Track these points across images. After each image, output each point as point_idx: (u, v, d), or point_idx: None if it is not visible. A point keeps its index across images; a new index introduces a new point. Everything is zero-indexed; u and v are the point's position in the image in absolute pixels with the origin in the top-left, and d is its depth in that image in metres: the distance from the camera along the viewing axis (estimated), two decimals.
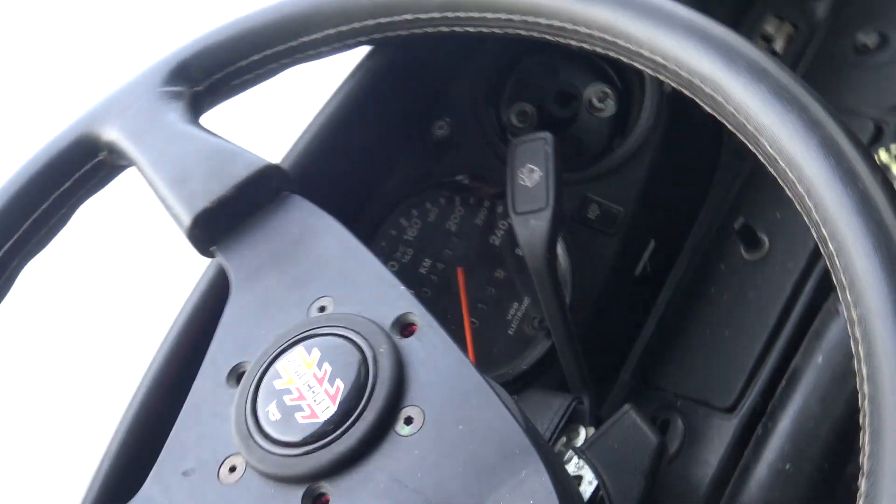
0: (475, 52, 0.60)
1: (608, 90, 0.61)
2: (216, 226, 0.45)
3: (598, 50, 0.42)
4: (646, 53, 0.39)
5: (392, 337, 0.39)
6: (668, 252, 0.61)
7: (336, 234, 0.45)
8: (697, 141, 0.61)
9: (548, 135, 0.52)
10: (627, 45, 0.40)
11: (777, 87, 0.35)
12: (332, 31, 0.50)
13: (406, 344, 0.39)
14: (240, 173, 0.45)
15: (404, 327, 0.41)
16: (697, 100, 0.38)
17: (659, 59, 0.39)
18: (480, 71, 0.60)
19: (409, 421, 0.37)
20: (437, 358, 0.38)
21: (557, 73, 0.61)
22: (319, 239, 0.45)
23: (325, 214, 0.45)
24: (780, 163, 0.34)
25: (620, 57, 0.41)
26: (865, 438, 0.30)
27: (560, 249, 0.56)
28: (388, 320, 0.40)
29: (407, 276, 0.60)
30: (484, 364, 0.58)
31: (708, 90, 0.37)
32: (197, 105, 0.50)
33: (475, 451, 0.36)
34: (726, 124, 0.38)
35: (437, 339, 0.39)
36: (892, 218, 0.32)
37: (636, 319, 0.60)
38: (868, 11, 0.62)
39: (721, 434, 0.54)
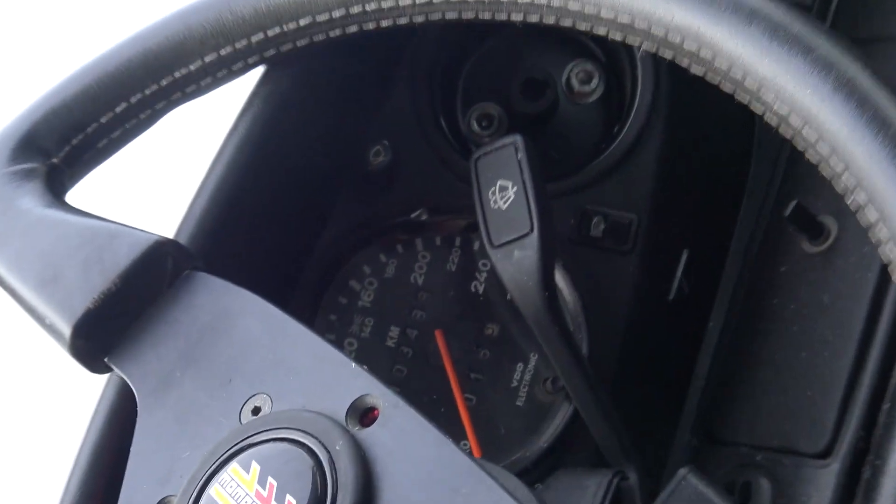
0: (408, 50, 0.65)
1: (591, 67, 0.65)
2: (105, 330, 0.47)
3: (551, 21, 0.46)
4: (605, 15, 0.43)
5: (349, 429, 0.42)
6: (710, 263, 0.65)
7: (261, 313, 0.47)
8: (718, 113, 0.64)
9: (516, 137, 0.54)
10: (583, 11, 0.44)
11: (771, 26, 0.40)
12: (211, 58, 0.54)
13: (368, 435, 0.42)
14: (124, 258, 0.47)
15: (363, 414, 0.43)
16: (678, 60, 0.42)
17: (625, 22, 0.43)
18: (420, 72, 0.65)
19: None
20: (409, 446, 0.41)
21: (521, 58, 0.66)
22: (240, 323, 0.47)
23: (242, 291, 0.48)
24: (793, 123, 0.38)
25: (577, 25, 0.45)
26: None
27: (561, 283, 0.59)
28: (341, 410, 0.43)
29: (372, 353, 0.64)
30: (492, 450, 0.61)
31: (689, 47, 0.41)
32: (57, 181, 0.53)
33: None
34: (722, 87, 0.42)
35: (406, 423, 0.42)
36: None
37: (684, 358, 0.64)
38: None
39: (820, 487, 0.57)
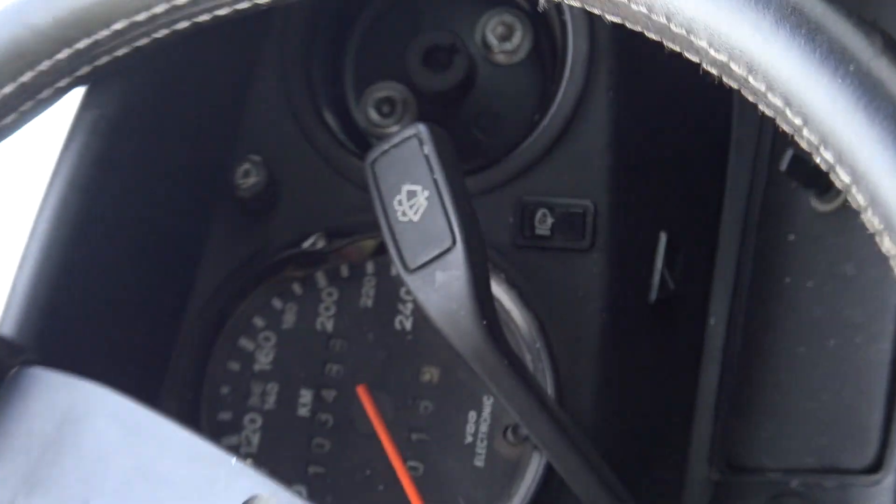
0: (273, 31, 0.66)
1: (510, 18, 0.67)
2: None
3: None
4: None
5: None
6: (698, 246, 0.68)
7: (116, 411, 0.50)
8: (677, 58, 0.66)
9: (419, 127, 0.56)
10: None
11: None
12: (9, 89, 0.55)
13: None
14: None
15: None
16: None
17: None
18: (291, 57, 0.66)
19: None
20: None
21: (419, 20, 0.68)
22: (91, 427, 0.50)
23: (89, 386, 0.51)
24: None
25: None
26: None
27: (507, 302, 0.61)
28: None
29: (281, 427, 0.66)
30: None
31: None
32: None
33: None
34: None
35: None
36: None
37: (683, 372, 0.66)
38: None
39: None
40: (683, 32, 0.42)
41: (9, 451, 0.51)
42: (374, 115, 0.67)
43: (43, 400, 0.52)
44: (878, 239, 0.42)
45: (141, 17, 0.54)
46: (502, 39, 0.68)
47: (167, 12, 0.54)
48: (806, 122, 0.40)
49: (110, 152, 0.61)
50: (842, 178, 0.40)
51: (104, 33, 0.55)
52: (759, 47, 0.41)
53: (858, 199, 0.40)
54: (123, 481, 0.49)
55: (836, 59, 0.40)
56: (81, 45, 0.56)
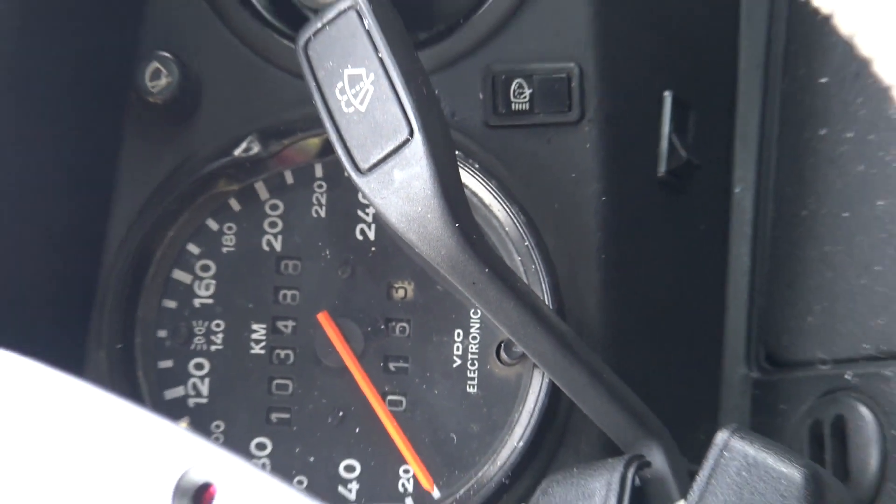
0: None
1: None
2: None
3: None
4: None
5: None
6: (713, 102, 0.68)
7: (28, 377, 0.51)
8: None
9: None
10: None
11: None
12: None
13: None
14: None
15: (196, 496, 0.48)
16: None
17: None
18: None
19: None
20: None
21: None
22: (2, 398, 0.51)
23: (22, 360, 0.52)
24: None
25: None
26: None
27: (485, 194, 0.61)
28: (167, 495, 0.48)
29: (234, 371, 0.66)
30: (447, 470, 0.64)
31: None
32: None
33: None
34: None
35: (255, 499, 0.47)
36: None
37: (707, 258, 0.67)
38: None
39: None
40: None
41: None
42: None
43: None
44: None
45: None
46: None
47: None
48: None
49: None
50: None
51: None
52: None
53: None
54: (45, 460, 0.50)
55: None
56: None
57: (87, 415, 0.52)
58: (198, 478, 0.49)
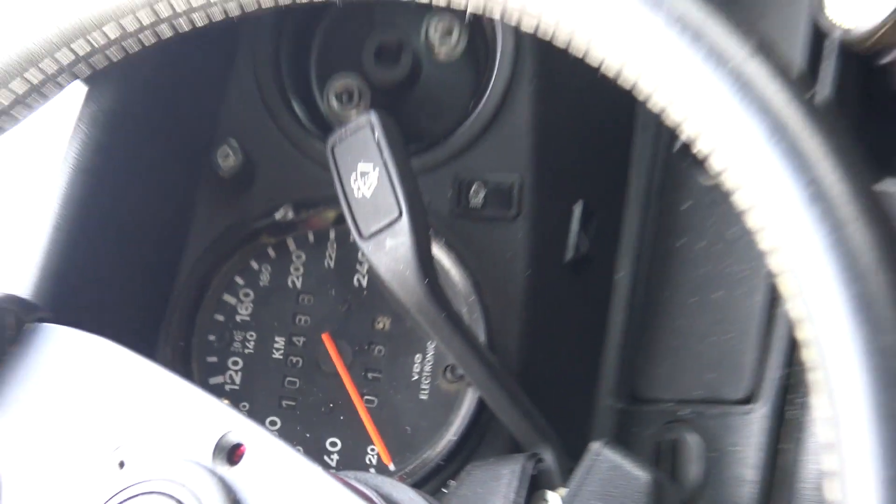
0: (246, 32, 0.65)
1: (449, 19, 0.66)
2: None
3: None
4: None
5: (216, 471, 0.46)
6: (608, 213, 0.67)
7: (115, 359, 0.51)
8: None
9: (371, 115, 0.55)
10: None
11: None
12: (15, 84, 0.54)
13: (236, 473, 0.46)
14: None
15: (231, 452, 0.47)
16: None
17: None
18: (262, 54, 0.65)
19: None
20: (277, 481, 0.46)
21: (372, 22, 0.66)
22: (94, 373, 0.51)
23: (93, 338, 0.51)
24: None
25: None
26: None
27: (447, 262, 0.61)
28: (207, 451, 0.47)
29: (259, 368, 0.66)
30: (402, 452, 0.64)
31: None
32: None
33: None
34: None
35: (273, 457, 0.46)
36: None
37: (594, 320, 0.66)
38: None
39: (747, 434, 0.61)
40: (583, 45, 0.41)
41: (26, 396, 0.51)
42: (334, 103, 0.67)
43: (53, 351, 0.52)
44: (745, 216, 0.41)
45: (129, 24, 0.53)
46: (443, 38, 0.67)
47: (152, 23, 0.52)
48: (685, 119, 0.39)
49: (109, 140, 0.61)
50: (714, 166, 0.40)
51: (97, 37, 0.54)
52: (645, 53, 0.40)
53: (728, 184, 0.40)
54: (121, 419, 0.50)
55: (713, 61, 0.39)
56: (77, 46, 0.55)
57: (156, 388, 0.52)
58: (233, 439, 0.49)
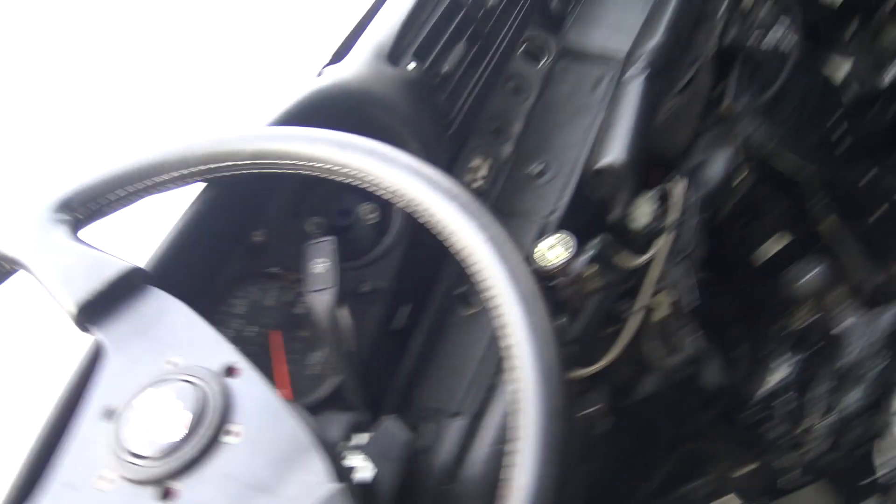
0: (282, 182, 0.96)
1: (372, 205, 1.01)
2: (94, 311, 0.71)
3: (358, 184, 0.76)
4: (385, 187, 0.73)
5: (222, 379, 0.66)
6: (418, 311, 1.01)
7: (182, 313, 0.72)
8: (433, 238, 0.83)
9: (333, 238, 0.88)
10: (376, 183, 0.74)
11: (463, 205, 0.68)
12: (175, 174, 0.80)
13: (231, 383, 0.67)
14: (111, 275, 0.73)
15: (230, 372, 0.67)
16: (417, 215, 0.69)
17: (391, 191, 0.73)
18: (286, 195, 0.98)
19: (233, 434, 0.64)
20: (252, 391, 0.66)
21: (339, 196, 1.01)
22: (170, 317, 0.72)
23: (175, 300, 0.72)
24: (464, 251, 0.67)
25: (370, 188, 0.75)
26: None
27: (345, 314, 0.89)
28: (220, 367, 0.68)
29: (240, 339, 0.92)
30: (297, 395, 0.90)
31: (422, 210, 0.70)
32: (77, 226, 0.79)
33: (280, 452, 0.62)
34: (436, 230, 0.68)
35: (253, 379, 0.67)
36: (525, 277, 0.66)
37: (397, 359, 0.98)
38: (536, 149, 1.13)
39: (453, 432, 0.91)
40: (449, 234, 0.67)
41: (132, 320, 0.71)
42: (312, 228, 1.00)
43: (153, 302, 0.73)
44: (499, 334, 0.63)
45: (228, 162, 0.79)
46: (368, 214, 1.01)
47: (241, 165, 0.80)
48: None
49: (206, 210, 0.89)
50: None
51: (214, 165, 0.80)
52: (479, 252, 0.64)
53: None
54: (180, 343, 0.69)
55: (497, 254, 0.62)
56: (201, 167, 0.80)
57: (198, 329, 0.71)
58: (234, 364, 0.67)
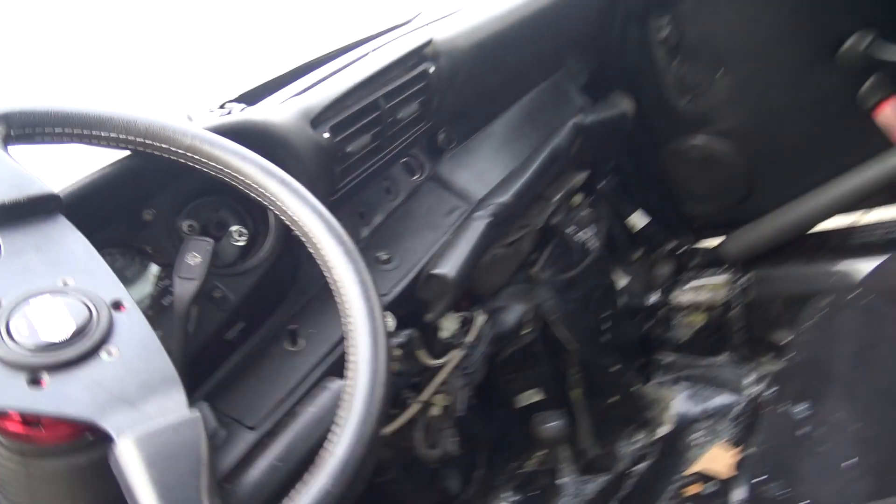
0: (184, 178, 1.06)
1: (245, 231, 1.15)
2: (5, 217, 0.75)
3: (268, 207, 0.85)
4: (290, 216, 0.82)
5: (109, 310, 0.73)
6: (250, 331, 1.14)
7: (83, 245, 0.77)
8: (286, 272, 1.17)
9: (212, 241, 1.01)
10: (284, 210, 0.83)
11: (348, 250, 0.80)
12: (114, 135, 0.85)
13: (117, 315, 0.74)
14: (31, 192, 0.77)
15: (118, 306, 0.74)
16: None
17: (295, 221, 0.83)
18: (182, 190, 1.08)
19: (109, 353, 0.71)
20: (135, 328, 0.74)
21: (219, 211, 1.14)
22: (71, 245, 0.77)
23: (79, 234, 0.77)
24: (338, 283, 0.78)
25: (278, 213, 0.85)
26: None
27: (195, 308, 1.02)
28: (109, 300, 0.74)
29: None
30: None
31: (314, 242, 0.80)
32: (8, 141, 0.82)
33: (148, 377, 0.71)
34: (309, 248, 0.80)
35: (134, 315, 0.75)
36: (375, 300, 0.79)
37: (216, 365, 1.10)
38: (387, 241, 1.30)
39: (243, 442, 1.00)
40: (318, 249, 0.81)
41: (36, 236, 0.75)
42: (184, 227, 1.13)
43: (58, 226, 0.78)
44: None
45: (164, 145, 0.85)
46: (238, 235, 1.15)
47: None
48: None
49: (120, 172, 0.98)
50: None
51: (148, 140, 0.86)
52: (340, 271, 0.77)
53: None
54: (77, 267, 0.74)
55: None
56: (131, 138, 0.86)
57: (93, 260, 0.76)
58: (121, 300, 0.73)
